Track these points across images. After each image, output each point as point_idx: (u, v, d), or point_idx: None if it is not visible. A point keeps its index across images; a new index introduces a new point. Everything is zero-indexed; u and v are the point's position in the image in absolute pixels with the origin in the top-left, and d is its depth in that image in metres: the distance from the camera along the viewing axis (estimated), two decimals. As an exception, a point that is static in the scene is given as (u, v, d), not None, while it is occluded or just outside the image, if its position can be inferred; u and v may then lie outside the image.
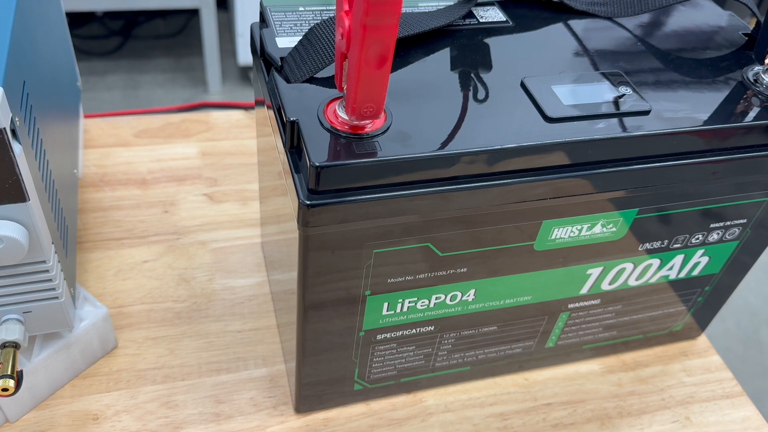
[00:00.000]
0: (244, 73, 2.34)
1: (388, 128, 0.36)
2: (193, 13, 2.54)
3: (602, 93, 0.40)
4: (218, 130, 0.72)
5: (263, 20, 0.44)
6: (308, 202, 0.34)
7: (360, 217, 0.36)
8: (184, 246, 0.59)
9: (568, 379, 0.53)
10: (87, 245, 0.58)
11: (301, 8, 0.44)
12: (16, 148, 0.35)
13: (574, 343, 0.52)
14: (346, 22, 0.31)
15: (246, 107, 0.75)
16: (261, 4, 0.44)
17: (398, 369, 0.48)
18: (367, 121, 0.35)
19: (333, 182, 0.34)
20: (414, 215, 0.36)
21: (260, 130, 0.50)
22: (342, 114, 0.35)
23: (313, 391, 0.47)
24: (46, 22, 0.50)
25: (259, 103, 0.49)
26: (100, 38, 2.36)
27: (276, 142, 0.40)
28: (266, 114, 0.43)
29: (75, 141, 0.59)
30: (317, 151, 0.34)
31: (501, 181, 0.36)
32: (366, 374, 0.47)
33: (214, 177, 0.66)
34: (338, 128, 0.35)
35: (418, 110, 0.37)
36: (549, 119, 0.37)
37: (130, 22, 2.46)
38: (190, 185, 0.65)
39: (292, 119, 0.35)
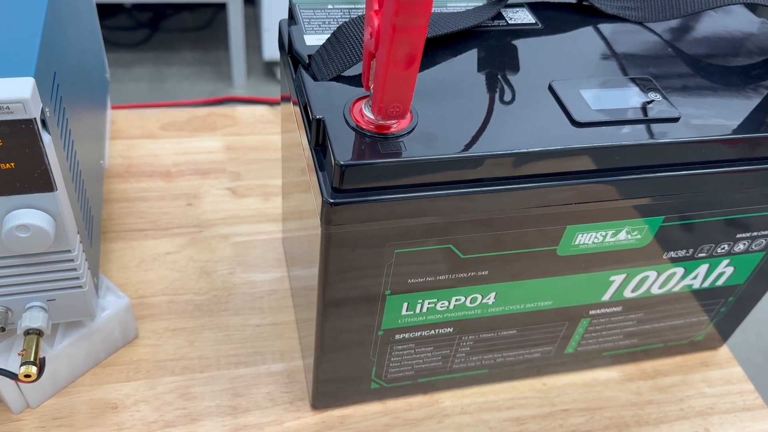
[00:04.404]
0: (268, 68, 2.35)
1: (413, 128, 0.35)
2: (220, 8, 2.55)
3: (631, 98, 0.39)
4: (243, 125, 0.72)
5: (292, 17, 0.44)
6: (332, 201, 0.34)
7: (383, 216, 0.36)
8: (206, 239, 0.60)
9: (587, 385, 0.53)
10: (111, 235, 0.59)
11: (329, 6, 0.44)
12: (46, 138, 0.36)
13: (593, 350, 0.51)
14: (376, 22, 0.31)
15: (271, 103, 0.76)
16: (290, 1, 0.44)
17: (415, 369, 0.48)
18: (392, 121, 0.35)
19: (357, 181, 0.34)
20: (437, 216, 0.36)
21: (285, 126, 0.50)
22: (368, 113, 0.35)
23: (330, 388, 0.47)
24: (76, 12, 0.51)
25: (285, 99, 0.49)
26: (128, 30, 2.39)
27: (301, 139, 0.40)
28: (292, 110, 0.43)
29: (102, 132, 0.60)
30: (342, 150, 0.34)
31: (526, 185, 0.36)
32: (383, 373, 0.47)
33: (237, 171, 0.67)
34: (364, 127, 0.35)
35: (444, 111, 0.37)
36: (577, 124, 0.37)
37: (158, 14, 2.49)
38: (213, 179, 0.65)
39: (318, 117, 0.36)
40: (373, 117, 0.35)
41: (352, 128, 0.35)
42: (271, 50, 2.18)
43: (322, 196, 0.34)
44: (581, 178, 0.37)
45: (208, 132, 0.71)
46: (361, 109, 0.36)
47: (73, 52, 0.47)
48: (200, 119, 0.72)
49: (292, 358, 0.52)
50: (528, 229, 0.39)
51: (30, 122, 0.34)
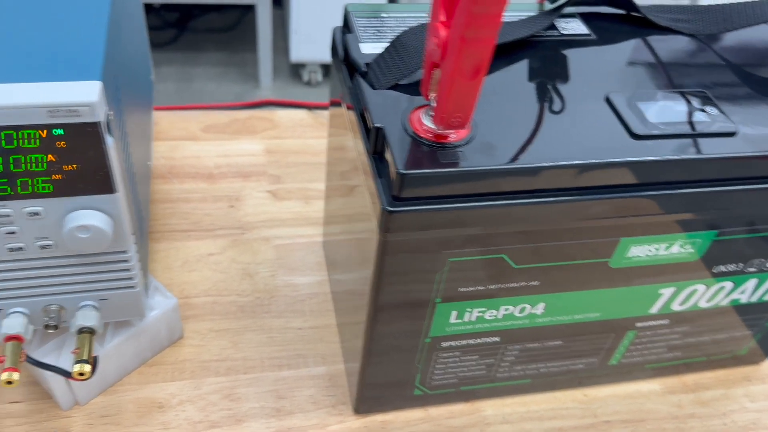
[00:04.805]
0: (294, 70, 2.36)
1: (472, 138, 0.36)
2: (247, 9, 2.57)
3: (688, 112, 0.39)
4: (282, 129, 0.73)
5: (346, 25, 0.44)
6: (390, 209, 0.34)
7: (440, 225, 0.36)
8: (248, 241, 0.60)
9: (629, 397, 0.53)
10: (155, 235, 0.59)
11: (383, 14, 0.44)
12: (109, 141, 0.36)
13: (637, 362, 0.51)
14: (442, 33, 0.32)
15: (310, 107, 0.76)
16: (345, 9, 0.44)
17: (459, 377, 0.48)
18: (451, 131, 0.35)
19: (416, 190, 0.34)
20: (493, 226, 0.36)
21: (334, 131, 0.50)
22: (427, 122, 0.36)
23: (374, 393, 0.48)
24: (130, 14, 0.51)
25: (334, 104, 0.49)
26: (156, 29, 2.41)
27: (355, 145, 0.40)
28: (344, 116, 0.43)
29: (149, 133, 0.60)
30: (403, 159, 0.34)
31: (585, 196, 0.36)
32: (427, 380, 0.47)
33: (277, 174, 0.67)
34: (422, 136, 0.35)
35: (501, 121, 0.37)
36: (636, 136, 0.37)
37: (185, 14, 2.51)
38: (254, 181, 0.66)
39: (377, 126, 0.36)
40: (432, 126, 0.35)
41: (411, 137, 0.36)
42: (298, 52, 2.19)
43: (381, 204, 0.35)
44: (639, 190, 0.37)
45: (249, 135, 0.71)
46: (419, 118, 0.36)
47: (128, 54, 0.48)
48: (240, 122, 0.73)
49: (333, 362, 0.52)
50: (582, 240, 0.39)
51: (95, 125, 0.35)
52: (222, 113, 0.73)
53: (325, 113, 0.75)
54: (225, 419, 0.48)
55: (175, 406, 0.48)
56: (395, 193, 0.34)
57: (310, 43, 2.17)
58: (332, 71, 0.47)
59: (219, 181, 0.65)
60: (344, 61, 0.43)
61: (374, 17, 0.44)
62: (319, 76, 2.32)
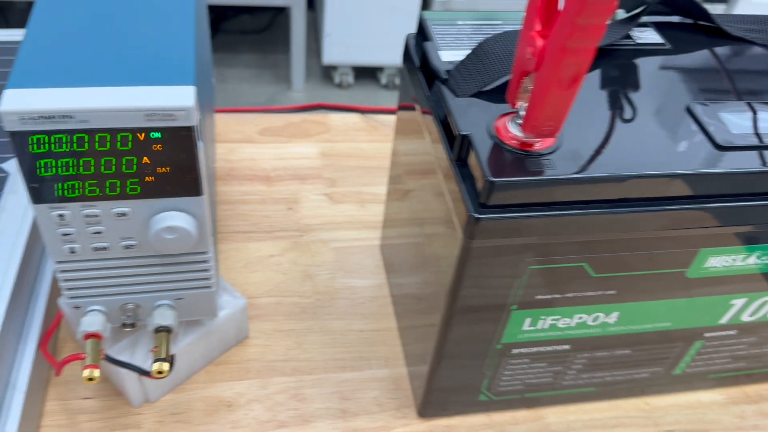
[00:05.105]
0: (326, 72, 2.38)
1: (558, 147, 0.36)
2: (279, 11, 2.59)
3: (770, 123, 0.39)
4: (336, 132, 0.73)
5: (422, 32, 0.45)
6: (477, 215, 0.35)
7: (524, 233, 0.36)
8: (307, 243, 0.61)
9: (690, 407, 0.52)
10: (218, 237, 0.60)
11: (459, 22, 0.45)
12: (199, 144, 0.37)
13: (701, 372, 0.51)
14: (539, 42, 0.32)
15: (362, 111, 0.77)
16: (421, 17, 0.45)
17: (525, 384, 0.48)
18: (538, 139, 0.36)
19: (504, 197, 0.35)
20: (576, 234, 0.37)
21: (403, 136, 0.50)
22: (514, 130, 0.36)
23: (439, 397, 0.48)
24: (202, 17, 0.52)
25: (403, 108, 0.50)
26: (192, 31, 2.43)
27: (434, 151, 0.41)
28: (418, 121, 0.44)
29: (212, 135, 0.61)
30: (491, 166, 0.34)
31: (668, 206, 0.36)
32: (493, 386, 0.47)
33: (333, 178, 0.68)
34: (508, 144, 0.36)
35: (584, 130, 0.37)
36: (720, 147, 0.37)
37: (219, 16, 2.53)
38: (311, 184, 0.67)
39: (464, 133, 0.36)
40: (519, 134, 0.36)
41: (498, 145, 0.36)
42: (330, 55, 2.20)
43: (467, 211, 0.35)
44: (722, 201, 0.37)
45: (304, 138, 0.72)
46: (505, 125, 0.37)
47: (203, 58, 0.49)
48: (295, 125, 0.73)
49: (395, 365, 0.53)
50: (662, 250, 0.39)
51: (190, 129, 0.36)
52: (276, 116, 0.74)
53: (378, 117, 0.76)
54: (292, 419, 0.48)
55: (243, 405, 0.49)
56: (482, 200, 0.35)
57: (342, 46, 2.18)
58: (403, 77, 0.47)
59: (276, 184, 0.66)
60: (420, 67, 0.43)
61: (450, 25, 0.44)
62: (350, 79, 2.33)
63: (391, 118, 0.76)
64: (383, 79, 2.33)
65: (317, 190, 0.66)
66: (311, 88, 2.34)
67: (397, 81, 2.33)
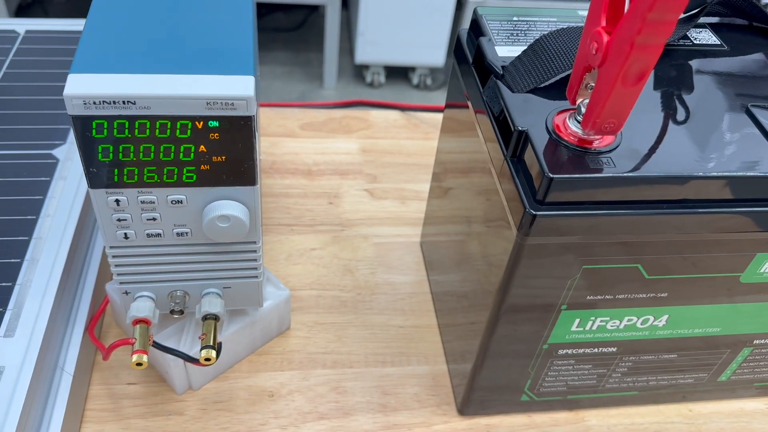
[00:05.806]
0: (358, 71, 2.38)
1: (618, 145, 0.36)
2: (312, 9, 2.60)
3: (833, 127, 0.38)
4: (377, 129, 0.74)
5: (476, 28, 0.44)
6: (534, 212, 0.35)
7: (580, 231, 0.36)
8: (348, 238, 0.61)
9: (733, 415, 0.52)
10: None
11: (514, 18, 0.45)
12: (257, 134, 0.37)
13: (746, 380, 0.50)
14: (605, 38, 0.32)
15: (403, 108, 0.77)
16: (475, 13, 0.45)
17: (569, 386, 0.47)
18: (598, 137, 0.35)
19: (562, 195, 0.34)
20: (633, 234, 0.36)
21: (450, 133, 0.50)
22: (573, 126, 0.36)
23: (481, 395, 0.48)
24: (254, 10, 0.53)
25: (450, 106, 0.50)
26: (225, 27, 2.45)
27: (487, 148, 0.40)
28: (470, 118, 0.44)
29: (258, 128, 0.62)
30: (550, 163, 0.34)
31: (728, 209, 0.36)
32: (536, 386, 0.47)
33: (373, 174, 0.68)
34: (567, 140, 0.35)
35: (643, 129, 0.37)
36: (782, 150, 0.36)
37: (253, 13, 2.54)
38: (352, 179, 0.67)
39: (521, 128, 0.36)
40: (578, 131, 0.35)
41: (556, 141, 0.36)
42: (363, 54, 2.20)
43: (524, 208, 0.35)
44: (782, 205, 0.36)
45: (344, 134, 0.72)
46: (564, 122, 0.36)
47: (256, 51, 0.49)
48: (336, 121, 0.74)
49: (436, 362, 0.53)
50: (718, 253, 0.38)
51: (249, 119, 0.36)
52: (317, 111, 0.74)
53: (419, 115, 0.76)
54: (333, 411, 0.48)
55: (284, 395, 0.49)
56: (540, 197, 0.35)
57: (375, 45, 2.18)
58: (454, 73, 0.47)
59: (317, 178, 0.66)
60: (473, 63, 0.43)
61: (505, 21, 0.44)
62: (381, 78, 2.33)
63: (432, 116, 0.76)
64: (414, 79, 2.33)
65: (358, 186, 0.66)
66: (343, 87, 2.35)
67: (429, 81, 2.33)
